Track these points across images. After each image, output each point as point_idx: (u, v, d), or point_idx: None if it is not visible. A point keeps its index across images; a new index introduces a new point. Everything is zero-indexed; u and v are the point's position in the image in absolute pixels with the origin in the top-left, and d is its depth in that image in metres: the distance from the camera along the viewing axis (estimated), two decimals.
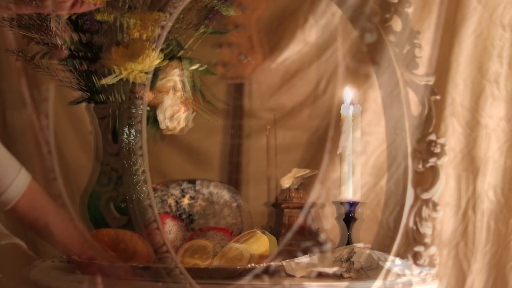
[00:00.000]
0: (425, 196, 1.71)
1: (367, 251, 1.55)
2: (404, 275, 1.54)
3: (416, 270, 1.58)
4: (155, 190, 1.70)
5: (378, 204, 1.99)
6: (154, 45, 1.47)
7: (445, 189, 2.05)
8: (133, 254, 1.48)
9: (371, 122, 2.04)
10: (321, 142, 2.12)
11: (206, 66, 1.73)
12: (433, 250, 1.68)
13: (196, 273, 1.46)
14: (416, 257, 1.71)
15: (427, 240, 1.70)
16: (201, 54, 1.77)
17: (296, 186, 1.78)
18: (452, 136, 2.04)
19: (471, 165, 2.05)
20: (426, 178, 1.78)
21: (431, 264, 1.64)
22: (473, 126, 2.05)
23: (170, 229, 1.62)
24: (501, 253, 2.03)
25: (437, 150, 1.64)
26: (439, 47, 2.05)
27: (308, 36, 2.11)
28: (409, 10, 1.77)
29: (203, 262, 1.55)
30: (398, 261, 1.57)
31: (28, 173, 1.54)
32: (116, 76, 1.48)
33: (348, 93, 1.71)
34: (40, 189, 1.55)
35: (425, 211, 1.68)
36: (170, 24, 1.48)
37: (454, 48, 2.03)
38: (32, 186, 1.53)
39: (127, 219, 1.51)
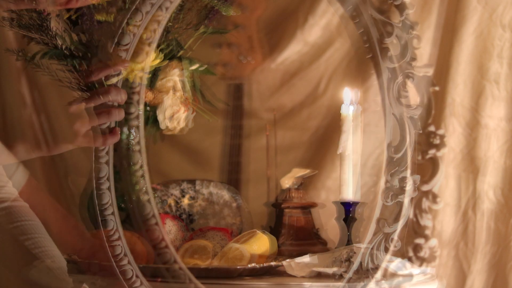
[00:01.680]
0: (425, 188, 1.71)
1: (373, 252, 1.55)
2: (403, 275, 1.54)
3: (415, 270, 1.58)
4: (155, 190, 1.70)
5: (378, 204, 1.99)
6: (150, 41, 1.46)
7: (445, 189, 2.05)
8: (132, 254, 1.48)
9: (371, 122, 2.04)
10: (321, 142, 2.12)
11: (206, 66, 1.73)
12: (433, 242, 1.68)
13: (196, 273, 1.46)
14: (416, 249, 1.70)
15: (428, 232, 1.70)
16: (201, 54, 1.77)
17: (296, 186, 1.78)
18: (452, 136, 2.04)
19: (471, 165, 2.05)
20: (426, 170, 1.77)
21: (432, 257, 1.63)
22: (473, 126, 2.05)
23: (170, 229, 1.62)
24: (501, 253, 2.03)
25: (437, 141, 1.64)
26: (439, 47, 2.05)
27: (308, 36, 2.11)
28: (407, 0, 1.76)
29: (203, 262, 1.55)
30: (397, 260, 1.57)
31: (26, 170, 1.54)
32: (116, 76, 1.48)
33: (348, 93, 1.70)
34: (39, 186, 1.55)
35: (425, 203, 1.68)
36: (166, 18, 1.48)
37: (454, 48, 2.03)
38: (30, 183, 1.53)
39: (125, 215, 1.51)
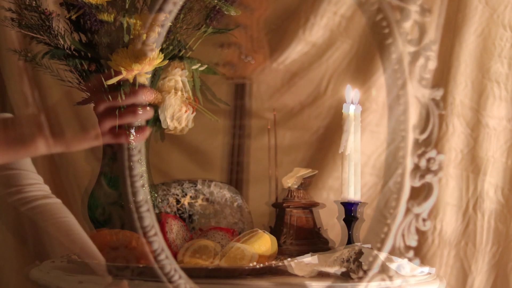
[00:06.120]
0: (416, 210, 1.70)
1: (374, 252, 1.55)
2: (404, 275, 1.54)
3: (416, 270, 1.58)
4: (155, 189, 1.71)
5: (378, 204, 1.99)
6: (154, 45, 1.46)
7: (445, 188, 2.05)
8: (141, 255, 1.47)
9: (371, 121, 2.04)
10: (323, 142, 2.12)
11: (207, 65, 1.73)
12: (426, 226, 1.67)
13: (197, 272, 1.47)
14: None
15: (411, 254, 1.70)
16: (203, 54, 1.77)
17: (297, 186, 1.78)
18: (453, 136, 2.04)
19: (472, 164, 2.05)
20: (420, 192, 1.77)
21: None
22: (474, 125, 2.04)
23: (171, 228, 1.62)
24: (502, 253, 2.03)
25: (435, 167, 1.66)
26: (440, 46, 2.05)
27: (309, 36, 2.11)
28: None
29: (204, 261, 1.55)
30: (398, 260, 1.57)
31: None
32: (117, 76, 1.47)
33: (350, 92, 1.70)
34: None
35: (413, 226, 1.69)
36: (169, 23, 1.48)
37: (456, 47, 2.03)
38: None
39: (117, 194, 1.50)
